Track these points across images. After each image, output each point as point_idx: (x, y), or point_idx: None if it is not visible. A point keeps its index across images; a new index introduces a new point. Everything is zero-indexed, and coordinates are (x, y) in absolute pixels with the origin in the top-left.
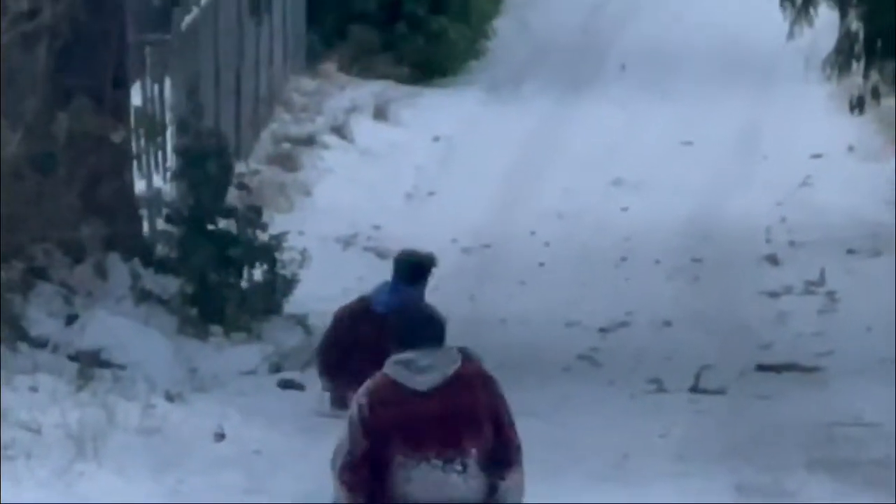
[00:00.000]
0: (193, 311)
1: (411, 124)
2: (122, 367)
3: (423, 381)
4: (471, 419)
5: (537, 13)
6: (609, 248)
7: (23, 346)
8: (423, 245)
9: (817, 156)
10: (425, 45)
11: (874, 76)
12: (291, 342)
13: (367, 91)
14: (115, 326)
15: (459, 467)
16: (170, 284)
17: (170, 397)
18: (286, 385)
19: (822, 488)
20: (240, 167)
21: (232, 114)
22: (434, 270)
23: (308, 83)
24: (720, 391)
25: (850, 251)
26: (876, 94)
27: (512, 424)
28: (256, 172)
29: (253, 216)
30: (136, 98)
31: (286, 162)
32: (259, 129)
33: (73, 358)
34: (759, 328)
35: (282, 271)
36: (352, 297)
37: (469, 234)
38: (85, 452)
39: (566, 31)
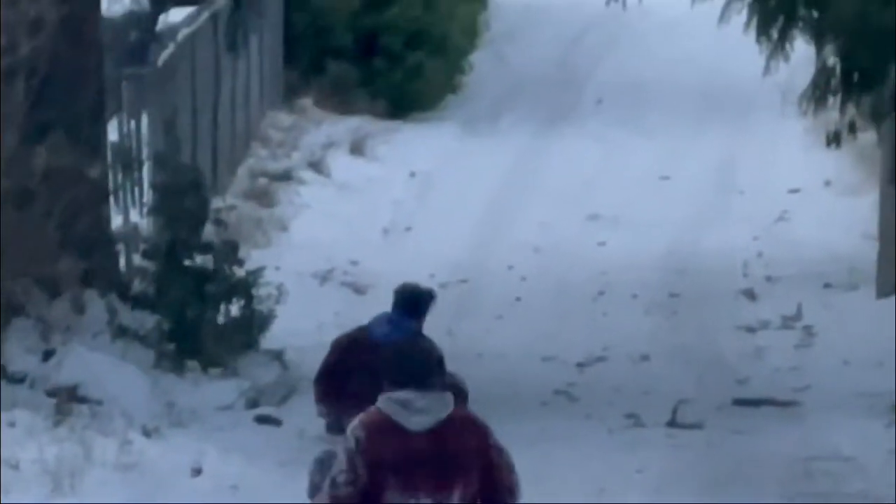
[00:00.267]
0: (170, 347)
1: (388, 159)
2: (99, 402)
3: (418, 423)
4: (461, 463)
5: (514, 47)
6: (586, 282)
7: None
8: (400, 281)
9: (794, 190)
10: (402, 80)
11: (850, 111)
12: (268, 377)
13: (343, 126)
14: (92, 362)
15: None
16: (146, 320)
17: (147, 432)
18: (263, 420)
19: None
20: (216, 202)
21: (209, 149)
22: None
23: (285, 118)
24: (697, 426)
25: (827, 286)
26: (852, 128)
27: (509, 468)
28: (233, 208)
29: (229, 251)
30: (112, 133)
31: (263, 197)
32: (236, 165)
33: (50, 393)
34: (736, 363)
35: (258, 307)
36: (328, 332)
37: (446, 269)
38: (62, 488)
39: (543, 65)
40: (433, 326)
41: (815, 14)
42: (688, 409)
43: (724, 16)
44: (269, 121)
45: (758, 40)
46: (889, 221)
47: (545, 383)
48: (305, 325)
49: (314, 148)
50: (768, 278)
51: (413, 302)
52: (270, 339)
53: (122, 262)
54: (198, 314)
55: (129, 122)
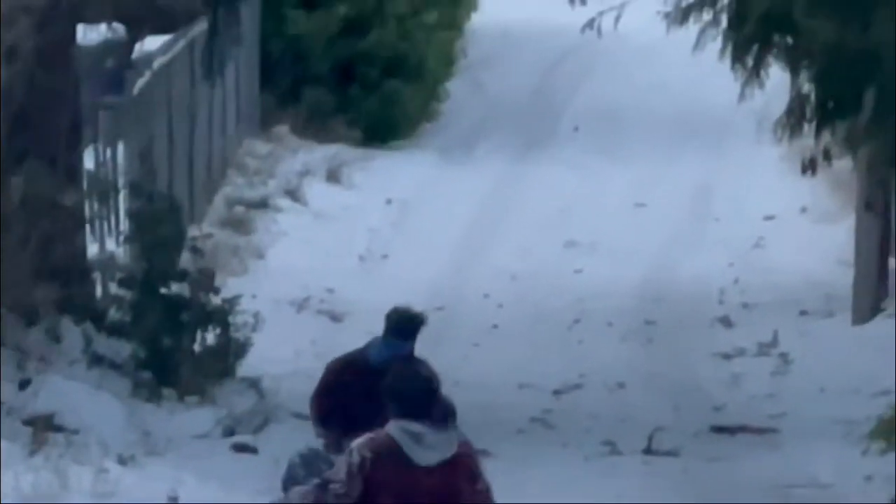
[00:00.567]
0: (146, 375)
1: (365, 187)
2: (75, 430)
3: (427, 458)
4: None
5: (491, 75)
6: (562, 309)
7: None
8: (376, 308)
9: (770, 217)
10: (379, 108)
11: (826, 137)
12: (245, 405)
13: (320, 154)
14: (68, 390)
15: None
16: (123, 348)
17: (123, 461)
18: (240, 448)
19: None
20: (193, 230)
21: (185, 177)
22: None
23: (261, 146)
24: (674, 453)
25: (803, 312)
26: (828, 155)
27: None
28: (209, 236)
29: (206, 280)
30: (89, 161)
31: (239, 225)
32: (212, 193)
33: (26, 422)
34: (712, 390)
35: (235, 335)
36: (305, 359)
37: (423, 297)
38: None
39: (519, 92)
40: None
41: (790, 41)
42: (664, 437)
43: (699, 43)
44: (246, 148)
45: (733, 67)
46: (865, 248)
47: (522, 411)
48: (282, 353)
49: (290, 176)
50: (744, 305)
51: (406, 325)
52: (247, 366)
53: (98, 290)
54: (174, 342)
55: (105, 151)
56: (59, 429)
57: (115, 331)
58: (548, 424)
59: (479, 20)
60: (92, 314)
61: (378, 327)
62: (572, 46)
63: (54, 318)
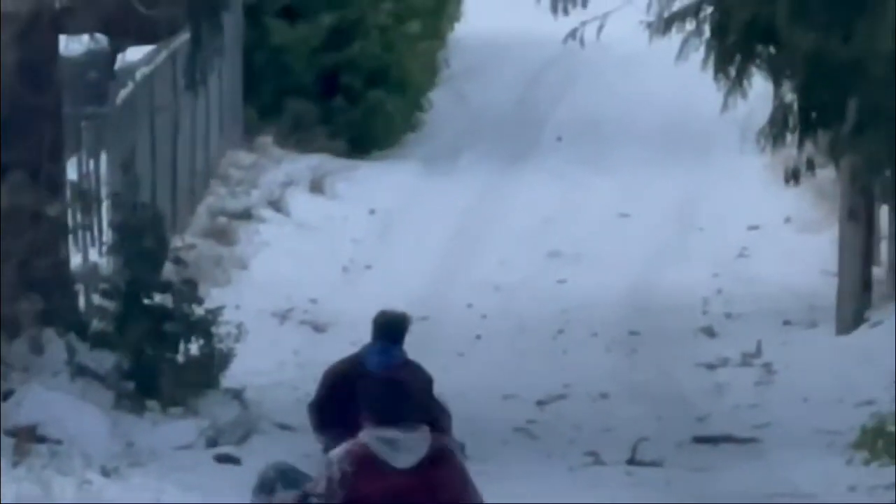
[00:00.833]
0: (130, 386)
1: (348, 197)
2: (58, 442)
3: (404, 460)
4: (441, 498)
5: (474, 85)
6: (546, 320)
7: None
8: (359, 319)
9: (754, 227)
10: (362, 119)
11: (809, 147)
12: (228, 416)
13: (303, 164)
14: (51, 401)
15: None
16: (106, 359)
17: (106, 472)
18: (223, 459)
19: None
20: (176, 241)
21: (168, 188)
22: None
23: (244, 157)
24: (657, 463)
25: (786, 322)
26: (811, 165)
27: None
28: (192, 246)
29: (189, 290)
30: (72, 172)
31: (222, 236)
32: (195, 203)
33: (9, 433)
34: (695, 400)
35: (218, 345)
36: (288, 370)
37: (406, 307)
38: None
39: (503, 103)
40: None
41: (773, 51)
42: (648, 447)
43: (681, 53)
44: (229, 159)
45: (716, 77)
46: (848, 258)
47: (505, 421)
48: (265, 364)
49: (274, 186)
50: (728, 315)
51: (394, 328)
52: (230, 377)
53: (81, 301)
54: (157, 353)
55: (88, 161)
56: (42, 440)
57: (99, 342)
58: (532, 435)
59: (462, 31)
60: (75, 325)
61: (361, 338)
62: (555, 57)
63: (37, 329)
